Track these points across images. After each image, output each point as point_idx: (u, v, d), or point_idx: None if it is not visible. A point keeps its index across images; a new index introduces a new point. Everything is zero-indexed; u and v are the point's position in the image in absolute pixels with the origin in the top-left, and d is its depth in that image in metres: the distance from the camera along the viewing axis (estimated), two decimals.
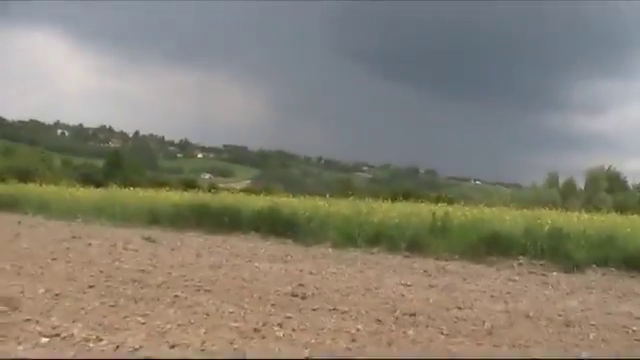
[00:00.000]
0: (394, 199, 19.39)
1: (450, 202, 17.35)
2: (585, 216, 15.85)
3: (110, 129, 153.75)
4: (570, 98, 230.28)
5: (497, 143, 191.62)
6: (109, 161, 63.23)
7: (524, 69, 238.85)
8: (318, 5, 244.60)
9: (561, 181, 48.82)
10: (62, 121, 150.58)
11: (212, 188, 26.41)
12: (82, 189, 25.44)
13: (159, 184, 34.94)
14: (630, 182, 50.35)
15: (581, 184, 48.57)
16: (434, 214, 14.41)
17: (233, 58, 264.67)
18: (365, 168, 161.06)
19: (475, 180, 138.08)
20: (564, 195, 44.64)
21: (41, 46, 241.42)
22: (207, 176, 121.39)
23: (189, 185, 38.32)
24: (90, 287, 8.14)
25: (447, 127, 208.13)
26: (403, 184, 77.40)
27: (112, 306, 7.03)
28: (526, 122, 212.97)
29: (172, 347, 5.52)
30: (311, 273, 10.22)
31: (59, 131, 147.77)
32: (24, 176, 40.17)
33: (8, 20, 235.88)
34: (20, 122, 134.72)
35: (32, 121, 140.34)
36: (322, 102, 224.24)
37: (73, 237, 14.02)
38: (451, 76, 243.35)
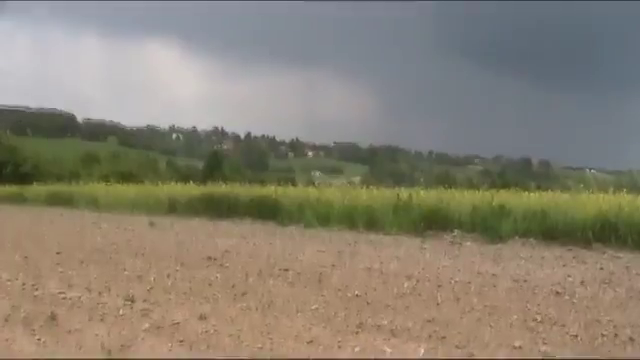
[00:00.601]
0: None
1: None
2: None
3: (222, 131, 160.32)
4: None
5: (614, 131, 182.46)
6: (208, 162, 66.34)
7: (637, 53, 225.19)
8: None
9: None
10: (177, 126, 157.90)
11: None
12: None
13: (260, 182, 35.36)
14: None
15: None
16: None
17: (339, 55, 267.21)
18: (477, 161, 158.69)
19: (591, 169, 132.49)
20: None
21: (156, 55, 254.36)
22: (317, 174, 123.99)
23: (285, 183, 38.89)
24: None
25: (561, 117, 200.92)
26: (514, 176, 76.32)
27: None
28: None
29: None
30: None
31: (174, 135, 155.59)
32: (128, 179, 43.65)
33: (124, 32, 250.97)
34: (137, 129, 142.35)
35: (148, 127, 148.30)
36: (431, 96, 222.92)
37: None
38: (561, 66, 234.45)
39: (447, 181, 30.52)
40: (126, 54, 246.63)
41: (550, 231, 12.88)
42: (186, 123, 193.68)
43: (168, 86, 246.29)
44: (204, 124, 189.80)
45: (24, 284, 8.16)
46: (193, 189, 22.69)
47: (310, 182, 51.95)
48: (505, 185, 20.29)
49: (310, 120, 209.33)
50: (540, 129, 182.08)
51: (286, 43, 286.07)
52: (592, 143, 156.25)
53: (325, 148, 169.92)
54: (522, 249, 12.11)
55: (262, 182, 37.32)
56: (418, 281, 8.63)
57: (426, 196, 16.03)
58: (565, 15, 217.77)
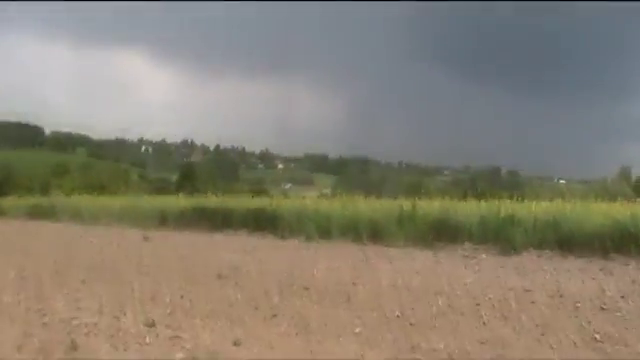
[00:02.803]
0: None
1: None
2: None
3: (192, 143, 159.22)
4: None
5: (584, 139, 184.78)
6: (182, 174, 65.64)
7: (608, 61, 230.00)
8: (395, 6, 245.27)
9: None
10: (146, 137, 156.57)
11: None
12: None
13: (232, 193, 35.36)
14: None
15: None
16: None
17: (311, 66, 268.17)
18: (446, 172, 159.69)
19: (559, 179, 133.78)
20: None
21: (125, 65, 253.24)
22: (288, 185, 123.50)
23: (259, 194, 39.24)
24: None
25: (531, 126, 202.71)
26: (484, 185, 76.53)
27: None
28: (614, 115, 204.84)
29: None
30: None
31: (143, 147, 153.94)
32: (99, 191, 42.85)
33: (93, 41, 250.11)
34: (106, 140, 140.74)
35: (117, 139, 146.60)
36: (402, 106, 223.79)
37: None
38: (531, 74, 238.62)
39: (420, 190, 30.15)
40: (95, 64, 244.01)
41: (564, 242, 12.43)
42: (155, 134, 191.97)
43: (137, 97, 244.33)
44: (173, 135, 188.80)
45: (28, 307, 7.46)
46: (182, 201, 21.89)
47: (282, 193, 51.55)
48: (478, 195, 19.74)
49: (281, 131, 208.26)
50: (509, 138, 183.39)
51: (257, 52, 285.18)
52: (558, 152, 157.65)
53: (295, 160, 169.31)
54: (541, 261, 11.66)
55: (234, 193, 36.96)
56: (450, 298, 8.13)
57: (428, 207, 15.47)
58: (532, 23, 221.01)
